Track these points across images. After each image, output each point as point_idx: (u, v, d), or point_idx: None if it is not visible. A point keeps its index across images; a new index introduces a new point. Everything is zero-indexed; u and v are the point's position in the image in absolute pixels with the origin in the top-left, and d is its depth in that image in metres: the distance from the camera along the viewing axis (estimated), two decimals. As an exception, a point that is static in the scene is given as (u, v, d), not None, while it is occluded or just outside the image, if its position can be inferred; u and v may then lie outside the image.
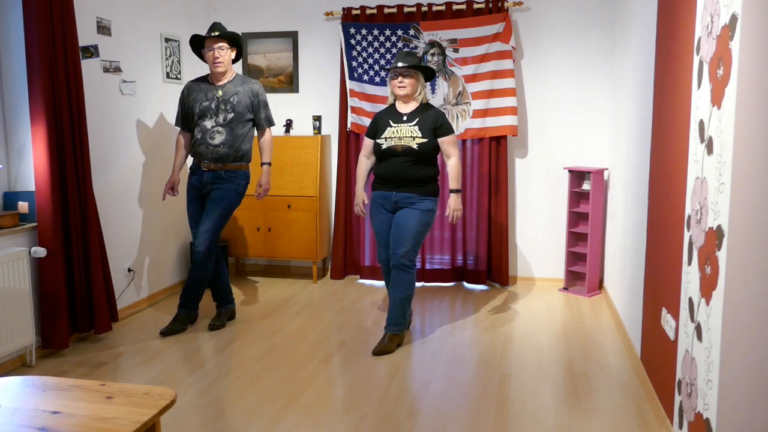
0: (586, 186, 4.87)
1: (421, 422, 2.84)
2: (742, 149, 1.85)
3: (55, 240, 3.52)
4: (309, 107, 5.43)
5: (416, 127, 3.68)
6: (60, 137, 3.58)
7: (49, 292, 3.54)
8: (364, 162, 3.91)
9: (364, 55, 5.08)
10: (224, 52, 3.88)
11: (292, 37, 5.38)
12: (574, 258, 4.98)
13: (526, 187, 5.14)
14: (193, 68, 4.97)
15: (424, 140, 3.65)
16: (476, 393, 3.14)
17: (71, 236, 3.66)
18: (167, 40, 4.80)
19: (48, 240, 3.50)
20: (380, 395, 3.12)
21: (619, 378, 3.31)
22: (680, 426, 2.43)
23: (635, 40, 3.82)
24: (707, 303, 2.11)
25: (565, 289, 4.98)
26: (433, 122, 3.69)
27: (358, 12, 5.11)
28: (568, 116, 5.00)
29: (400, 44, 5.00)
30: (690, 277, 2.34)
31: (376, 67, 5.08)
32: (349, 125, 5.18)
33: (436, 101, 4.98)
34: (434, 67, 4.94)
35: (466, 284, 5.18)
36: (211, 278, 4.13)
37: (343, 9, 5.14)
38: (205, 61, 3.97)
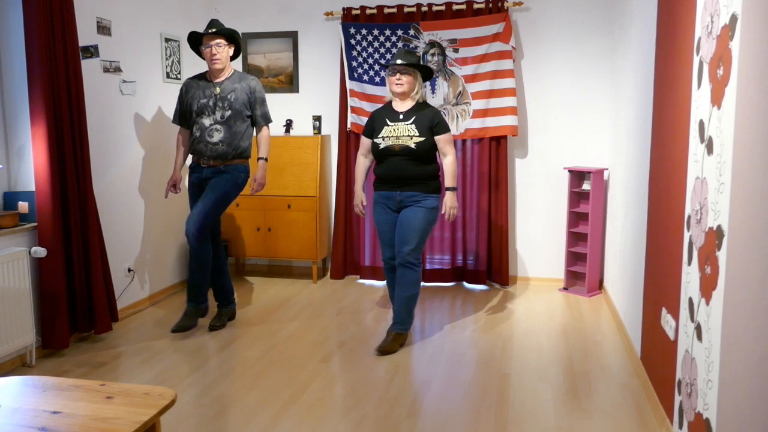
0: (586, 186, 4.87)
1: (421, 422, 2.84)
2: (742, 149, 1.85)
3: (55, 240, 3.52)
4: (309, 107, 5.43)
5: (413, 126, 3.68)
6: (60, 137, 3.58)
7: (49, 292, 3.54)
8: (362, 161, 3.92)
9: (364, 55, 5.08)
10: (222, 49, 3.88)
11: (292, 37, 5.38)
12: (574, 258, 4.98)
13: (526, 187, 5.14)
14: (193, 68, 4.97)
15: (422, 139, 3.66)
16: (476, 393, 3.14)
17: (71, 236, 3.66)
18: (167, 40, 4.80)
19: (48, 240, 3.50)
20: (380, 395, 3.12)
21: (619, 378, 3.31)
22: (680, 426, 2.43)
23: (635, 40, 3.82)
24: (707, 303, 2.11)
25: (565, 289, 4.98)
26: (430, 120, 3.69)
27: (358, 12, 5.11)
28: (568, 116, 5.00)
29: (400, 44, 5.00)
30: (690, 277, 2.34)
31: (376, 67, 5.08)
32: (349, 125, 5.18)
33: (436, 101, 4.98)
34: (434, 67, 4.94)
35: (466, 284, 5.18)
36: (213, 277, 4.13)
37: (343, 9, 5.14)
38: (204, 59, 3.97)
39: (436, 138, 3.70)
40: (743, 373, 1.79)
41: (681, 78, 2.60)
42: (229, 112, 3.89)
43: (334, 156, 5.40)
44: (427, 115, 3.71)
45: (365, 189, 3.99)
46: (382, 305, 4.59)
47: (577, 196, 4.94)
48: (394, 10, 5.04)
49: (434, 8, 4.97)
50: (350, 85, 5.14)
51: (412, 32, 4.98)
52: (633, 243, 3.68)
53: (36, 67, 3.42)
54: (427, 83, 4.97)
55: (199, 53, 4.00)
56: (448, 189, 3.76)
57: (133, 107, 4.44)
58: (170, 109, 4.72)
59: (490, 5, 4.87)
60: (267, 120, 4.09)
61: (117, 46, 4.24)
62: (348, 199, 5.26)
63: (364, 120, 5.06)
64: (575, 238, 4.96)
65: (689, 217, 2.38)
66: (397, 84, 3.71)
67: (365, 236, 5.29)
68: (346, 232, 5.29)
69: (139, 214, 4.53)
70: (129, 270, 4.42)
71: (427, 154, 3.69)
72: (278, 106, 5.42)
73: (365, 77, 5.11)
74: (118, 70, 4.26)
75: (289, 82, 5.44)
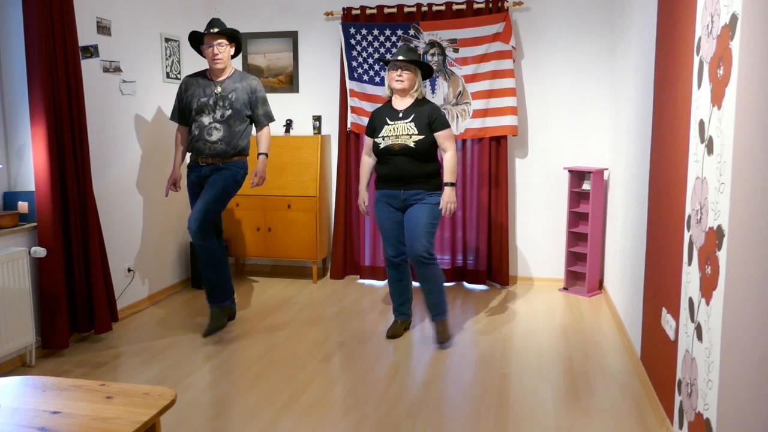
0: (586, 186, 4.87)
1: (421, 422, 2.84)
2: (742, 149, 1.85)
3: (55, 240, 3.52)
4: (309, 107, 5.43)
5: (412, 124, 3.69)
6: (60, 137, 3.58)
7: (49, 292, 3.54)
8: (367, 161, 3.95)
9: (364, 55, 5.08)
10: (223, 49, 3.88)
11: (292, 37, 5.38)
12: (574, 258, 4.98)
13: (526, 187, 5.14)
14: (193, 68, 4.96)
15: (421, 137, 3.66)
16: (476, 393, 3.14)
17: (71, 236, 3.66)
18: (167, 40, 4.80)
19: (48, 240, 3.50)
20: (380, 395, 3.12)
21: (619, 378, 3.31)
22: (680, 426, 2.43)
23: (635, 40, 3.82)
24: (707, 303, 2.11)
25: (565, 289, 4.98)
26: (428, 117, 3.69)
27: (358, 12, 5.11)
28: (568, 116, 5.00)
29: (400, 44, 5.00)
30: (690, 277, 2.33)
31: (376, 67, 5.08)
32: (349, 125, 5.18)
33: (436, 101, 4.97)
34: (434, 67, 4.94)
35: (466, 284, 5.17)
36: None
37: (343, 9, 5.14)
38: (205, 58, 3.97)
39: (436, 134, 3.70)
40: (743, 373, 1.79)
41: (681, 78, 2.60)
42: (229, 112, 3.89)
43: (334, 156, 5.40)
44: (425, 112, 3.70)
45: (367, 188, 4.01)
46: (383, 305, 4.58)
47: (577, 196, 4.94)
48: (394, 10, 5.04)
49: (434, 8, 4.97)
50: (350, 85, 5.14)
51: (412, 32, 4.98)
52: (633, 243, 3.68)
53: (36, 67, 3.42)
54: (427, 83, 4.97)
55: (200, 52, 4.00)
56: (446, 184, 3.74)
57: (133, 107, 4.44)
58: (170, 109, 4.71)
59: (490, 5, 4.87)
60: (270, 119, 4.10)
61: (117, 46, 4.24)
62: (348, 199, 5.26)
63: (364, 120, 5.06)
64: (575, 238, 4.96)
65: (689, 217, 2.38)
66: (397, 80, 3.70)
67: (365, 236, 5.29)
68: (346, 232, 5.29)
69: (139, 214, 4.53)
70: (129, 270, 4.42)
71: (427, 152, 3.70)
72: (278, 106, 5.41)
73: (365, 77, 5.11)
74: (118, 70, 4.26)
75: (289, 82, 5.44)
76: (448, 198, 3.73)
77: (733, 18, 1.92)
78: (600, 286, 4.97)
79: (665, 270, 2.79)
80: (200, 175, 3.95)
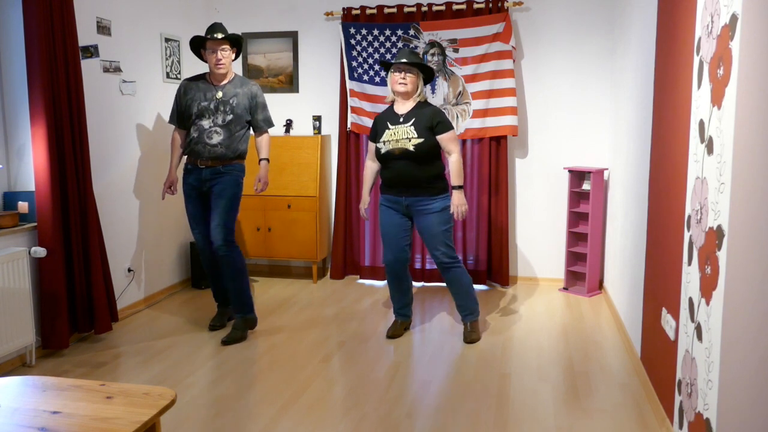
0: (586, 186, 4.87)
1: (421, 422, 2.84)
2: (742, 149, 1.85)
3: (55, 240, 3.52)
4: (309, 107, 5.43)
5: (412, 128, 3.66)
6: (60, 137, 3.58)
7: (49, 292, 3.54)
8: (370, 166, 3.94)
9: (364, 55, 5.08)
10: (227, 54, 3.88)
11: (292, 37, 5.38)
12: (574, 258, 4.98)
13: (526, 187, 5.14)
14: (193, 68, 4.97)
15: (420, 140, 3.63)
16: (476, 393, 3.14)
17: (71, 236, 3.66)
18: (167, 40, 4.80)
19: (48, 240, 3.50)
20: (380, 395, 3.12)
21: (619, 378, 3.31)
22: (680, 426, 2.43)
23: (635, 40, 3.82)
24: (707, 303, 2.11)
25: (565, 289, 4.98)
26: (429, 120, 3.67)
27: (358, 12, 5.11)
28: (568, 116, 5.00)
29: (400, 44, 5.00)
30: (690, 277, 2.33)
31: (376, 67, 5.08)
32: (349, 125, 5.18)
33: (436, 101, 4.98)
34: (434, 67, 4.95)
35: (466, 284, 5.17)
36: (213, 278, 4.13)
37: (343, 9, 5.14)
38: (204, 61, 3.96)
39: (438, 137, 3.68)
40: (743, 373, 1.79)
41: (681, 78, 2.60)
42: (230, 117, 3.90)
43: (334, 156, 5.40)
44: (427, 115, 3.68)
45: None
46: (383, 305, 4.58)
47: (577, 196, 4.94)
48: (394, 10, 5.04)
49: (434, 8, 4.97)
50: (350, 85, 5.14)
51: (412, 32, 4.98)
52: (633, 243, 3.68)
53: (36, 67, 3.42)
54: (428, 85, 4.96)
55: (200, 55, 3.98)
56: (454, 188, 3.74)
57: (133, 107, 4.44)
58: (170, 109, 4.71)
59: (490, 5, 4.87)
60: (269, 124, 4.11)
61: (117, 46, 4.24)
62: (348, 199, 5.26)
63: (365, 120, 5.06)
64: (575, 238, 4.96)
65: (689, 217, 2.38)
66: (400, 83, 3.69)
67: (365, 236, 5.29)
68: (346, 232, 5.29)
69: (139, 214, 4.53)
70: (129, 270, 4.42)
71: (427, 155, 3.67)
72: (278, 106, 5.41)
73: (365, 77, 5.11)
74: (118, 70, 4.26)
75: (289, 82, 5.44)
76: (458, 201, 3.73)
77: (733, 18, 1.92)
78: (600, 286, 4.97)
79: (665, 270, 2.79)
80: (200, 178, 3.94)
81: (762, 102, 1.70)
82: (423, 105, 3.75)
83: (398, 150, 3.66)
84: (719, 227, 2.00)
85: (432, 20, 4.97)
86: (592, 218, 4.76)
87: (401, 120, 3.71)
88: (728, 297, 1.92)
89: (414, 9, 5.00)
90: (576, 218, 4.96)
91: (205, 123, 3.88)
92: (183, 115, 3.97)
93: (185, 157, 4.04)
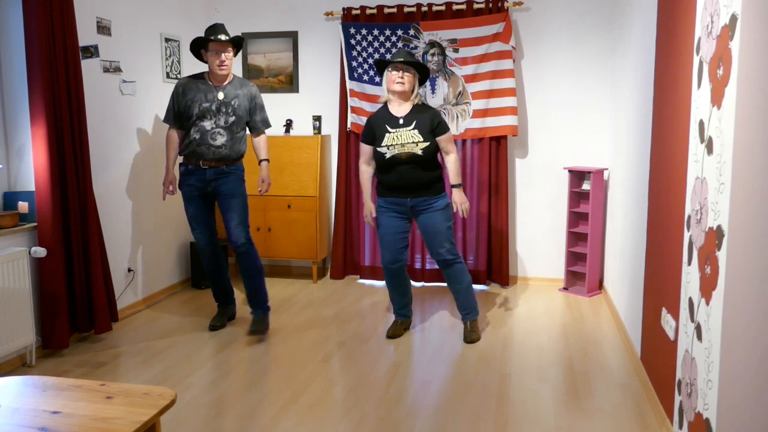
0: (586, 186, 4.87)
1: (421, 422, 2.84)
2: (742, 149, 1.85)
3: (55, 240, 3.52)
4: (309, 107, 5.43)
5: (416, 131, 3.67)
6: (60, 137, 3.58)
7: (49, 292, 3.54)
8: (367, 170, 3.87)
9: (364, 55, 5.08)
10: (230, 56, 3.89)
11: (292, 37, 5.38)
12: (574, 258, 4.98)
13: (526, 187, 5.14)
14: (193, 68, 4.95)
15: (427, 144, 3.66)
16: (476, 393, 3.14)
17: (71, 236, 3.66)
18: (167, 40, 4.80)
19: (48, 240, 3.50)
20: (380, 395, 3.12)
21: (619, 378, 3.31)
22: (680, 426, 2.43)
23: (635, 40, 3.82)
24: (707, 303, 2.11)
25: (565, 289, 4.98)
26: (431, 123, 3.68)
27: (358, 12, 5.11)
28: (568, 116, 5.00)
29: (400, 44, 5.00)
30: (690, 277, 2.34)
31: (377, 67, 5.08)
32: (349, 125, 5.18)
33: (436, 101, 4.98)
34: (434, 67, 4.96)
35: (466, 284, 5.17)
36: (214, 278, 4.14)
37: (343, 9, 5.14)
38: (203, 61, 3.95)
39: (438, 139, 3.69)
40: (743, 373, 1.79)
41: (681, 78, 2.60)
42: (233, 118, 3.91)
43: (334, 156, 5.40)
44: (427, 118, 3.69)
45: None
46: (383, 305, 4.58)
47: (577, 196, 4.94)
48: (394, 10, 5.04)
49: (434, 8, 4.97)
50: (350, 85, 5.14)
51: (412, 32, 4.98)
52: (633, 243, 3.68)
53: (36, 67, 3.42)
54: (427, 83, 4.97)
55: (199, 55, 3.96)
56: (454, 186, 3.78)
57: (133, 107, 4.44)
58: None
59: (490, 5, 4.87)
60: (267, 125, 4.15)
61: (117, 46, 4.24)
62: (348, 199, 5.26)
63: (365, 120, 5.05)
64: (575, 238, 4.96)
65: (689, 217, 2.38)
66: (398, 82, 3.68)
67: (365, 236, 5.29)
68: (346, 232, 5.29)
69: (139, 214, 4.53)
70: (129, 270, 4.42)
71: (432, 158, 3.72)
72: (278, 106, 5.42)
73: (365, 77, 5.11)
74: (118, 70, 4.26)
75: (289, 82, 5.44)
76: (460, 199, 3.78)
77: (733, 18, 1.92)
78: (600, 286, 4.97)
79: (665, 270, 2.79)
80: (203, 179, 3.93)
81: (762, 102, 1.70)
82: (420, 107, 3.75)
83: (405, 154, 3.65)
84: (719, 227, 2.00)
85: (432, 20, 4.97)
86: (592, 218, 4.76)
87: (401, 123, 3.70)
88: (728, 297, 1.92)
89: (414, 9, 5.00)
90: (576, 218, 4.96)
91: (207, 124, 3.87)
92: (182, 116, 3.93)
93: (179, 157, 4.02)
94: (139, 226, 4.54)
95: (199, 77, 3.96)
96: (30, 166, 3.63)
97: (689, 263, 2.35)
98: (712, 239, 2.06)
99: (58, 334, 3.58)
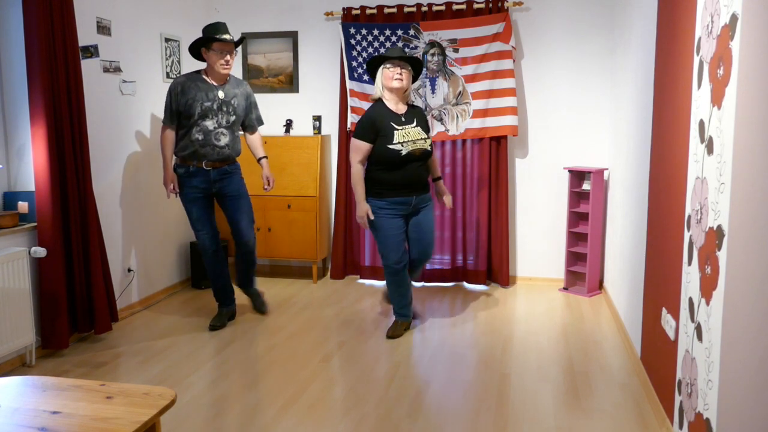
0: (586, 186, 4.87)
1: (421, 422, 2.84)
2: (742, 149, 1.84)
3: (55, 240, 3.52)
4: (309, 107, 5.43)
5: (419, 128, 3.78)
6: (60, 137, 3.58)
7: (49, 292, 3.54)
8: (362, 169, 3.78)
9: (365, 55, 5.08)
10: (233, 55, 3.91)
11: (292, 37, 5.38)
12: (574, 258, 4.98)
13: (526, 188, 5.14)
14: (193, 68, 4.96)
15: (430, 140, 3.84)
16: (476, 393, 3.14)
17: (71, 236, 3.66)
18: (167, 40, 4.80)
19: (48, 240, 3.50)
20: (380, 395, 3.12)
21: (619, 378, 3.31)
22: (680, 426, 2.43)
23: (635, 40, 3.82)
24: (707, 303, 2.11)
25: (565, 289, 4.98)
26: (425, 120, 3.87)
27: (358, 12, 5.11)
28: (568, 116, 5.00)
29: (400, 44, 5.00)
30: (690, 277, 2.34)
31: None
32: (349, 125, 5.18)
33: (436, 101, 4.99)
34: (434, 67, 4.96)
35: (466, 284, 5.17)
36: (215, 278, 4.14)
37: (343, 9, 5.14)
38: (202, 60, 3.95)
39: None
40: (743, 373, 1.79)
41: (681, 78, 2.60)
42: (233, 117, 3.93)
43: (334, 156, 5.40)
44: (422, 116, 3.86)
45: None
46: (383, 305, 4.58)
47: (577, 196, 4.94)
48: (394, 10, 5.04)
49: (434, 8, 4.97)
50: (350, 85, 5.14)
51: (412, 32, 4.98)
52: (633, 243, 3.68)
53: (36, 67, 3.42)
54: (427, 83, 4.98)
55: (199, 54, 3.95)
56: (439, 179, 4.07)
57: (133, 107, 4.44)
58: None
59: (490, 5, 4.87)
60: (261, 123, 4.26)
61: (117, 46, 4.24)
62: (348, 199, 5.25)
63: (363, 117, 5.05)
64: (575, 238, 4.96)
65: (689, 217, 2.38)
66: (397, 79, 3.69)
67: (365, 236, 5.29)
68: (346, 232, 5.29)
69: (139, 214, 4.53)
70: (129, 270, 4.42)
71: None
72: (278, 106, 5.42)
73: (365, 77, 5.11)
74: (118, 70, 4.26)
75: (289, 82, 5.44)
76: (445, 191, 4.09)
77: (733, 18, 1.92)
78: (600, 286, 4.97)
79: (665, 270, 2.79)
80: (208, 180, 3.93)
81: (762, 102, 1.70)
82: (414, 106, 3.90)
83: (419, 151, 3.73)
84: (719, 227, 2.00)
85: (432, 20, 4.97)
86: (592, 218, 4.76)
87: (404, 120, 3.73)
88: (728, 297, 1.92)
89: (414, 9, 5.00)
90: (576, 218, 4.96)
91: (210, 124, 3.87)
92: (180, 115, 3.89)
93: (177, 157, 3.98)
94: (139, 226, 4.54)
95: (196, 76, 3.93)
96: (30, 166, 3.63)
97: (689, 263, 2.35)
98: (713, 239, 2.06)
99: (58, 334, 3.58)
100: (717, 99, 2.07)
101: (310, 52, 5.38)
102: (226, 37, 3.82)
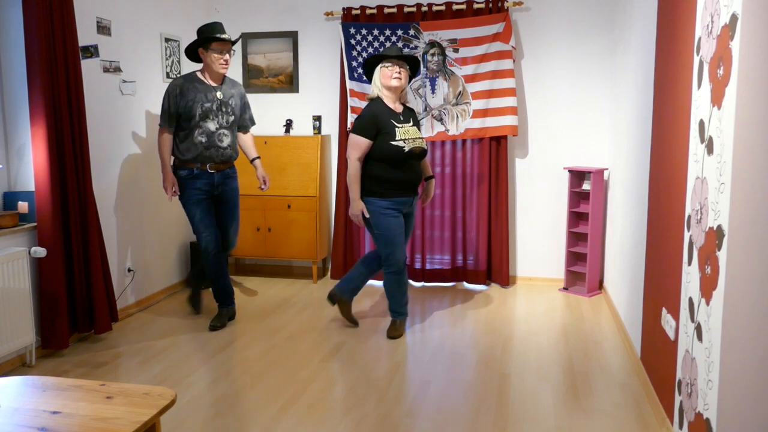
0: (586, 186, 4.87)
1: (421, 422, 2.84)
2: (742, 149, 1.84)
3: (55, 240, 3.52)
4: (309, 107, 5.43)
5: (415, 127, 3.82)
6: (60, 137, 3.58)
7: (49, 292, 3.54)
8: (359, 167, 3.74)
9: (365, 55, 5.08)
10: (231, 55, 3.93)
11: (292, 37, 5.38)
12: (574, 258, 4.98)
13: (526, 187, 5.14)
14: (193, 68, 4.96)
15: (424, 140, 3.85)
16: (476, 393, 3.14)
17: (71, 236, 3.66)
18: (167, 40, 4.80)
19: (48, 240, 3.50)
20: (380, 395, 3.12)
21: (619, 378, 3.31)
22: (680, 426, 2.43)
23: (635, 40, 3.82)
24: (707, 303, 2.11)
25: (565, 289, 4.98)
26: (419, 122, 3.92)
27: (358, 12, 5.11)
28: (568, 116, 5.00)
29: (400, 44, 5.00)
30: (690, 277, 2.33)
31: (376, 67, 5.08)
32: (349, 125, 5.18)
33: (436, 101, 4.99)
34: (434, 67, 4.96)
35: (466, 284, 5.17)
36: (216, 279, 4.14)
37: (343, 9, 5.14)
38: (198, 61, 3.95)
39: None
40: (743, 373, 1.79)
41: (681, 78, 2.60)
42: (232, 118, 3.95)
43: (334, 156, 5.40)
44: (416, 117, 3.91)
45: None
46: (382, 305, 4.58)
47: (577, 196, 4.94)
48: (394, 10, 5.04)
49: (434, 8, 4.97)
50: (350, 85, 5.14)
51: (412, 32, 4.98)
52: (633, 243, 3.68)
53: (36, 67, 3.41)
54: (427, 83, 4.98)
55: (196, 54, 3.94)
56: (432, 178, 4.10)
57: (133, 107, 4.44)
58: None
59: (490, 5, 4.87)
60: (253, 123, 4.29)
61: (117, 46, 4.24)
62: (348, 199, 5.24)
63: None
64: (575, 238, 4.96)
65: (689, 217, 2.38)
66: (396, 77, 3.71)
67: (365, 236, 5.29)
68: (346, 232, 5.29)
69: (139, 214, 4.53)
70: (129, 270, 4.42)
71: None
72: (278, 106, 5.42)
73: (365, 77, 5.10)
74: (118, 70, 4.26)
75: (289, 82, 5.44)
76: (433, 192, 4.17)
77: (733, 18, 1.92)
78: (600, 286, 4.97)
79: (665, 270, 2.79)
80: (212, 183, 3.94)
81: (762, 102, 1.70)
82: (408, 106, 3.92)
83: (418, 149, 3.76)
84: (719, 227, 2.00)
85: (432, 20, 4.97)
86: (592, 218, 4.76)
87: (401, 119, 3.75)
88: (728, 297, 1.92)
89: (414, 9, 5.00)
90: (576, 218, 4.96)
91: (211, 125, 3.87)
92: (179, 117, 3.88)
93: (177, 160, 3.96)
94: (139, 226, 4.54)
95: (193, 77, 3.92)
96: (30, 166, 3.63)
97: (689, 263, 2.35)
98: (713, 239, 2.06)
99: (58, 334, 3.58)
100: (717, 99, 2.07)
101: (310, 52, 5.38)
102: (225, 36, 3.84)
